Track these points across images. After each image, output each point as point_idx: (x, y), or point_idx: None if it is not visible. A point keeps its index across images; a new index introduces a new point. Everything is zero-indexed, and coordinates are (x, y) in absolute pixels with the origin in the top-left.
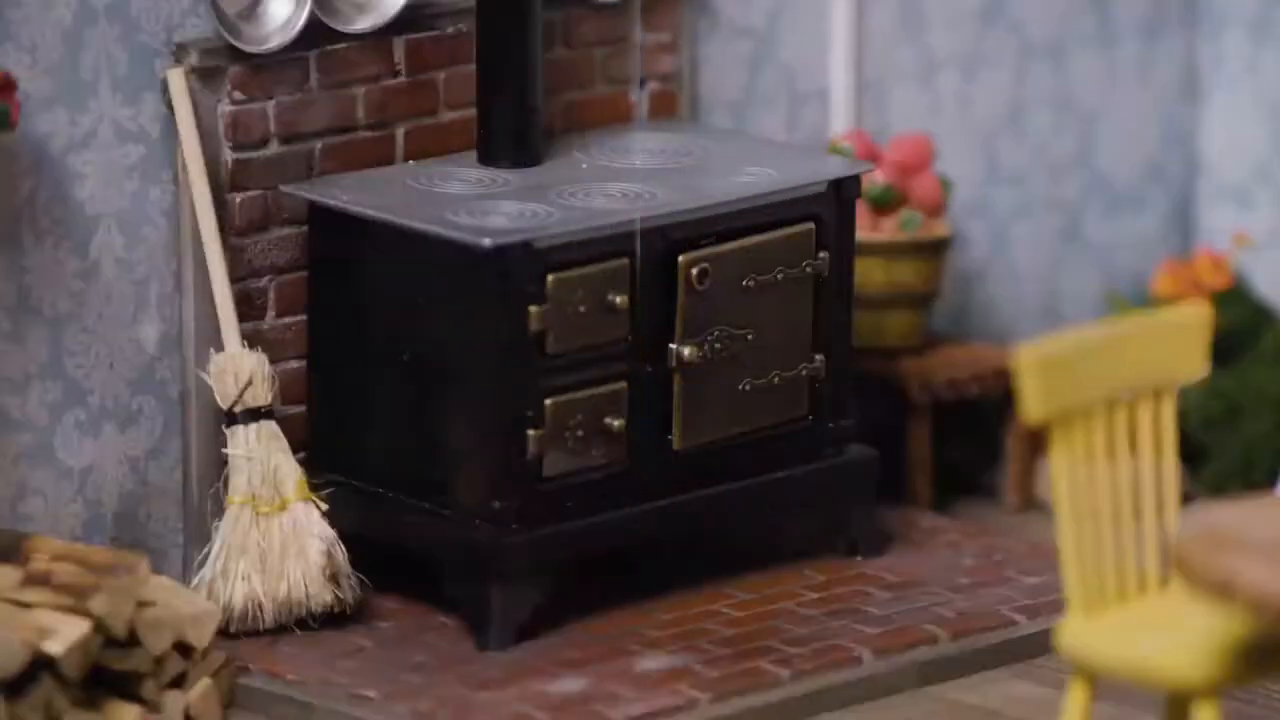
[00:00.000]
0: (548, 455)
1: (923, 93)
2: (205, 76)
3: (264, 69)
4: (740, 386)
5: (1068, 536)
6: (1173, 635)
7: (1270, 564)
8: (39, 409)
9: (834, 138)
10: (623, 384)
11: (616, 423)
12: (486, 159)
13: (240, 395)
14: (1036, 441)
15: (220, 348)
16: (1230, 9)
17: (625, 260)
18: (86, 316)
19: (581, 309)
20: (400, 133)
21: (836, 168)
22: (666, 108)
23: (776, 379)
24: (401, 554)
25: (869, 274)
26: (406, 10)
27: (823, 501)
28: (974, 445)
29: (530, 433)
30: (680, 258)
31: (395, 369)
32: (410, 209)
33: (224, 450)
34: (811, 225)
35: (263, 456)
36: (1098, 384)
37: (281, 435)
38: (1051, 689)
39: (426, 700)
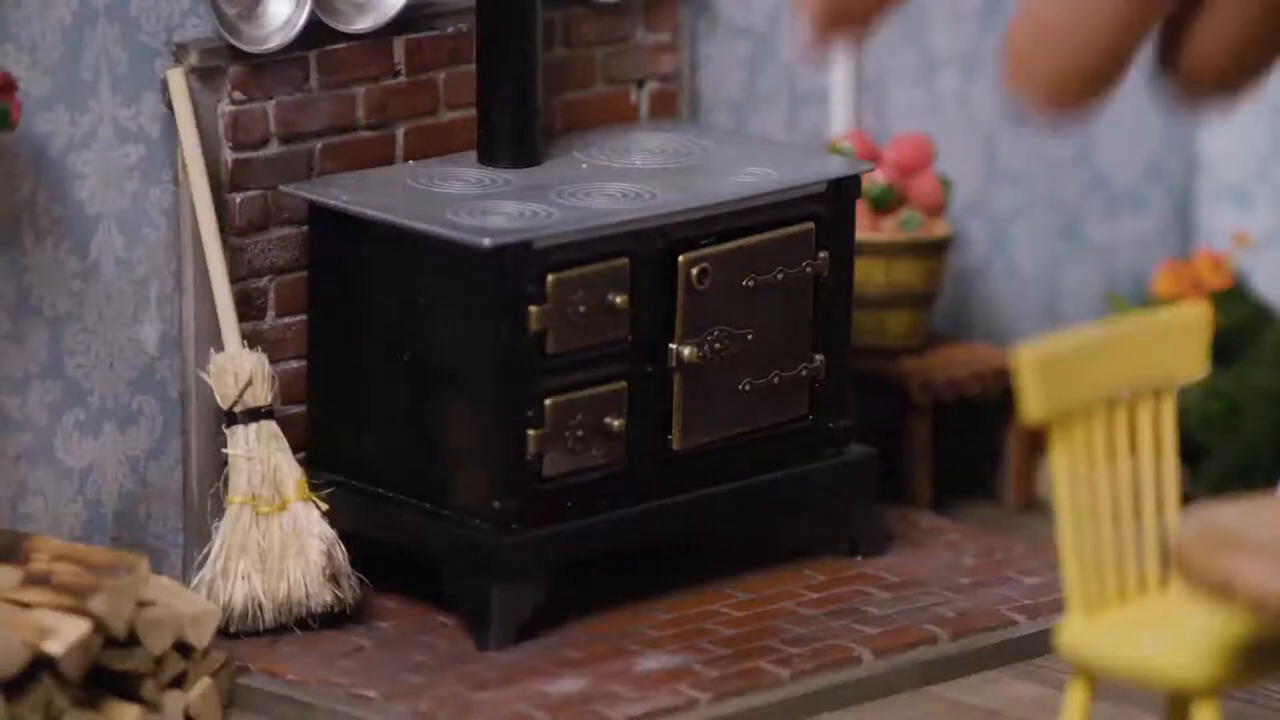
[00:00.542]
0: (548, 455)
1: (923, 93)
2: (205, 76)
3: (264, 69)
4: (740, 386)
5: (1068, 536)
6: (1173, 635)
7: (1270, 564)
8: (39, 409)
9: (834, 138)
10: (623, 384)
11: (616, 423)
12: (486, 159)
13: (240, 395)
14: (1036, 441)
15: (220, 348)
16: None
17: (625, 260)
18: (86, 316)
19: (581, 309)
20: (400, 133)
21: (836, 168)
22: (666, 108)
23: (776, 379)
24: (401, 554)
25: (869, 274)
26: (406, 10)
27: (823, 501)
28: (974, 445)
29: (530, 433)
30: (680, 258)
31: (395, 369)
32: (410, 209)
33: (224, 450)
34: (811, 225)
35: (263, 456)
36: (1098, 384)
37: (281, 435)
38: (1051, 689)
39: (426, 700)
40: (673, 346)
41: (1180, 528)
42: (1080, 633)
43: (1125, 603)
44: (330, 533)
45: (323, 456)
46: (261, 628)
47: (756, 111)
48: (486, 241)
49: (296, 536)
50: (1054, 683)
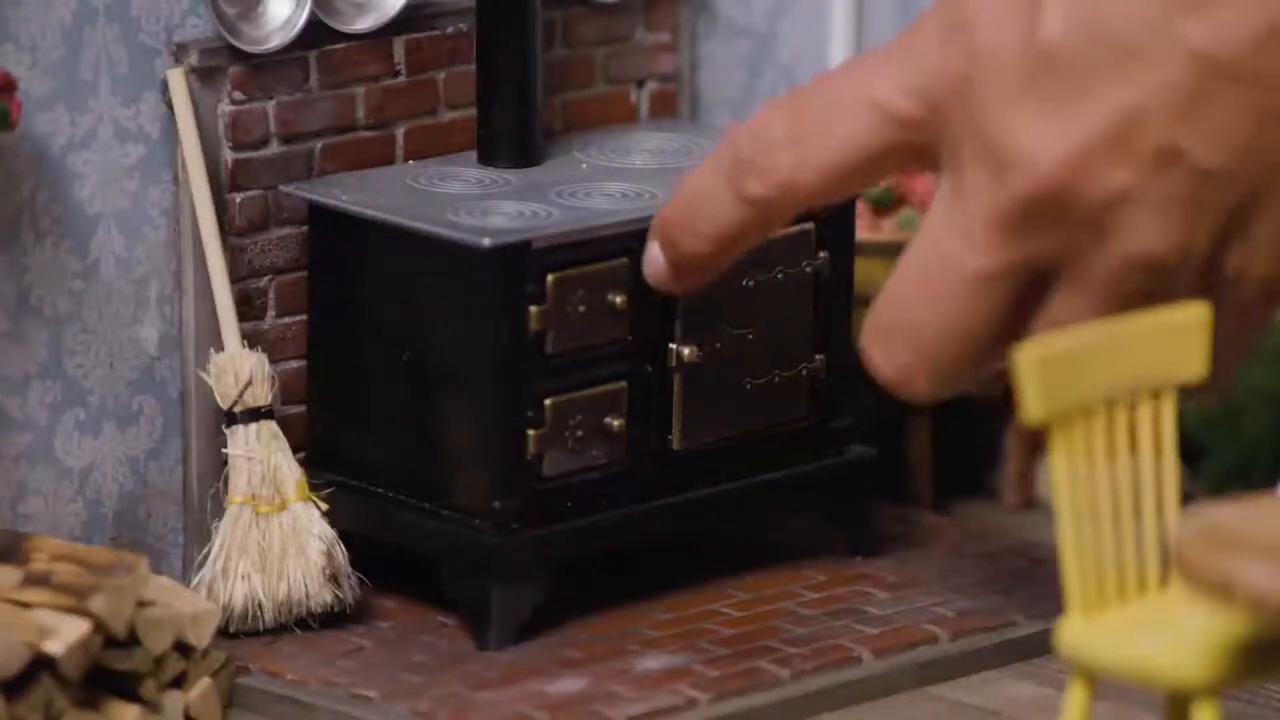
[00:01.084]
0: (548, 455)
1: None
2: (205, 76)
3: (264, 69)
4: (741, 386)
5: (1068, 536)
6: (1173, 635)
7: (1270, 564)
8: (39, 409)
9: None
10: (623, 384)
11: (616, 423)
12: (486, 159)
13: (240, 395)
14: (1036, 441)
15: (220, 348)
16: None
17: (625, 260)
18: (86, 316)
19: (581, 309)
20: (400, 133)
21: None
22: (666, 108)
23: (777, 379)
24: (401, 554)
25: (869, 274)
26: (406, 10)
27: (823, 501)
28: (974, 445)
29: (530, 433)
30: None
31: (395, 369)
32: (410, 209)
33: (224, 450)
34: (811, 225)
35: (263, 456)
36: (1098, 384)
37: (281, 435)
38: (1051, 689)
39: (426, 700)
40: (673, 346)
41: (1180, 528)
42: (1080, 633)
43: (1125, 603)
44: (330, 533)
45: (323, 456)
46: (261, 628)
47: (756, 111)
48: (486, 241)
49: (296, 536)
50: (1054, 683)
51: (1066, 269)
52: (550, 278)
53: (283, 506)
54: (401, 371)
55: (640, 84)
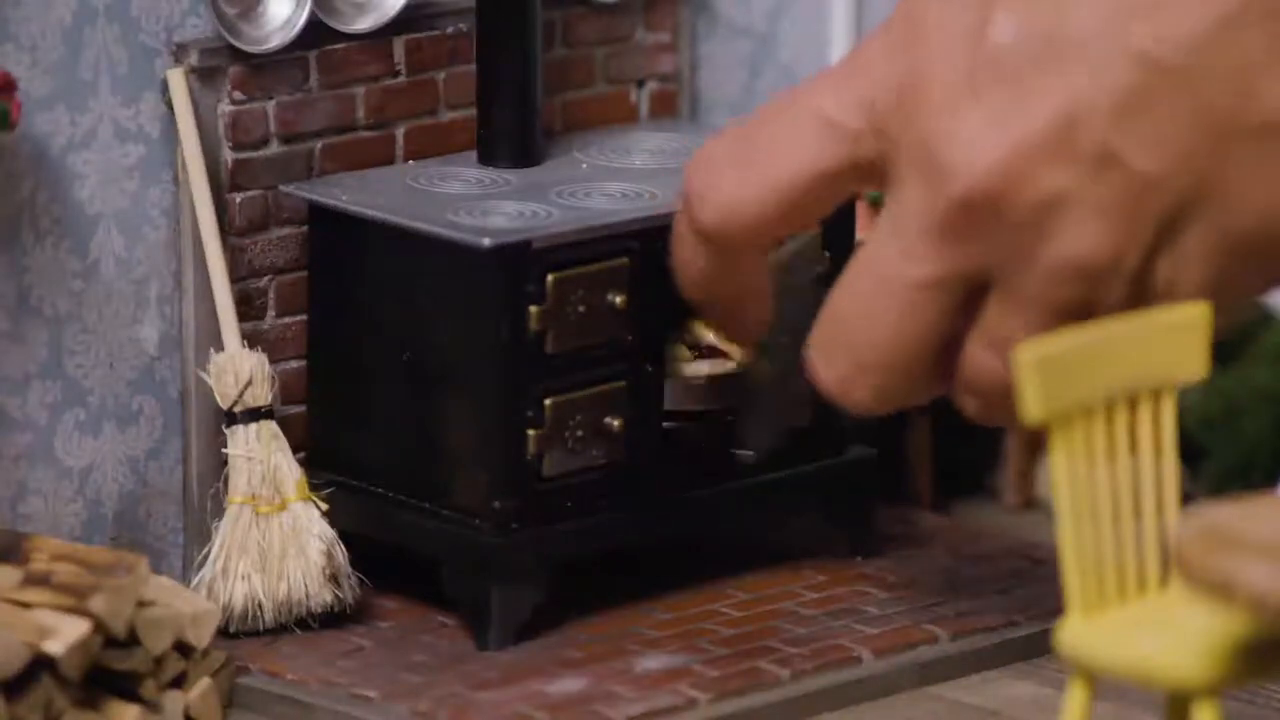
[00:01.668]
0: (547, 455)
1: None
2: (205, 76)
3: (264, 69)
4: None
5: (1068, 536)
6: (1173, 635)
7: (1270, 564)
8: (39, 409)
9: None
10: (623, 384)
11: (616, 423)
12: (486, 159)
13: (240, 395)
14: (1036, 441)
15: (220, 348)
16: None
17: (625, 260)
18: (86, 316)
19: (581, 309)
20: (400, 133)
21: None
22: (666, 108)
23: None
24: (401, 554)
25: None
26: (406, 10)
27: (823, 501)
28: (974, 445)
29: (530, 433)
30: None
31: (395, 369)
32: (410, 209)
33: (224, 450)
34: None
35: (263, 456)
36: (1098, 384)
37: (281, 435)
38: (1051, 689)
39: (426, 700)
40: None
41: (1180, 528)
42: (1080, 633)
43: (1125, 603)
44: (330, 533)
45: (323, 456)
46: (261, 628)
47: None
48: (486, 241)
49: (296, 536)
50: (1054, 683)
51: (1000, 280)
52: (550, 278)
53: (283, 506)
54: (401, 371)
55: (640, 84)
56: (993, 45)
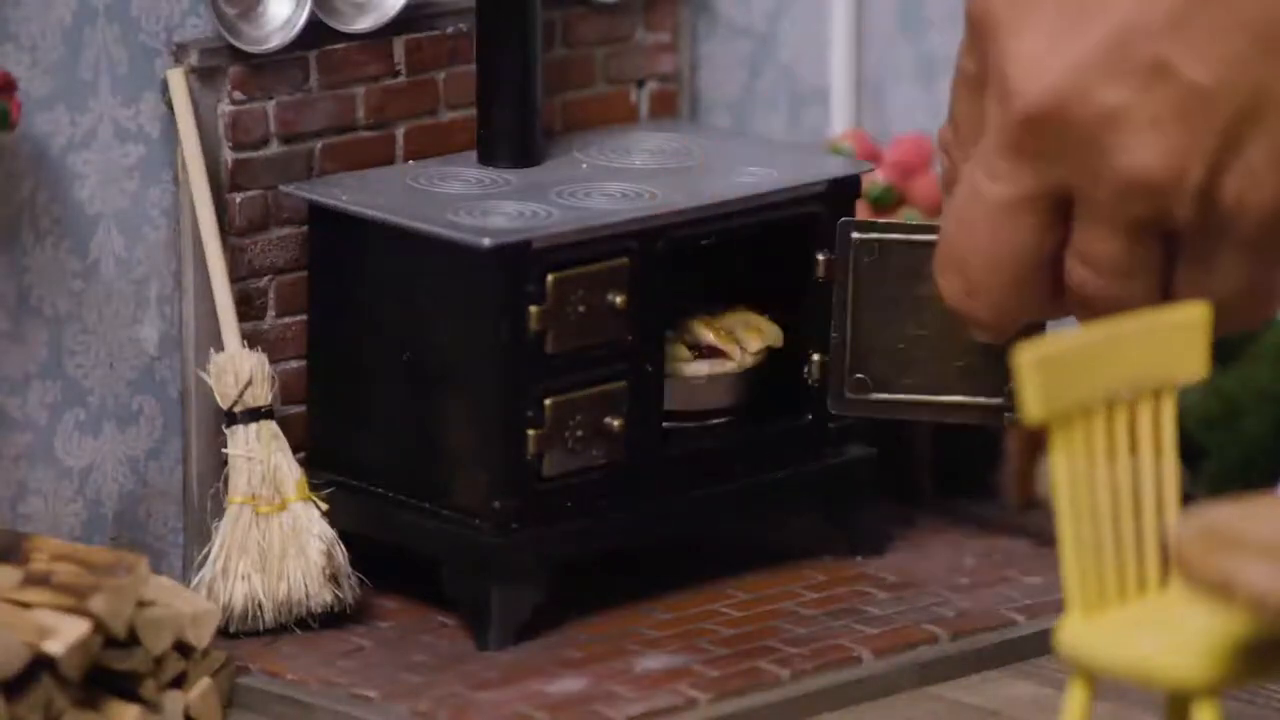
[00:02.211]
0: (548, 455)
1: (923, 93)
2: (205, 76)
3: (264, 69)
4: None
5: (1067, 536)
6: (1173, 635)
7: (1270, 564)
8: (39, 409)
9: (834, 138)
10: (623, 384)
11: (616, 423)
12: (486, 159)
13: (240, 395)
14: (1036, 441)
15: (220, 348)
16: None
17: (625, 260)
18: (86, 316)
19: (581, 309)
20: (400, 133)
21: (836, 168)
22: (666, 108)
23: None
24: (401, 554)
25: None
26: (406, 10)
27: (823, 501)
28: (974, 445)
29: (530, 433)
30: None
31: (395, 369)
32: (410, 209)
33: (224, 450)
34: (814, 224)
35: (263, 456)
36: (1098, 384)
37: (281, 435)
38: (1051, 689)
39: (426, 700)
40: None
41: (1180, 528)
42: (1080, 633)
43: (1125, 603)
44: (330, 533)
45: (323, 456)
46: (261, 628)
47: (756, 111)
48: (486, 241)
49: (296, 536)
50: (1054, 683)
51: (1078, 198)
52: (550, 278)
53: (283, 506)
54: (401, 371)
55: (640, 84)
56: None
